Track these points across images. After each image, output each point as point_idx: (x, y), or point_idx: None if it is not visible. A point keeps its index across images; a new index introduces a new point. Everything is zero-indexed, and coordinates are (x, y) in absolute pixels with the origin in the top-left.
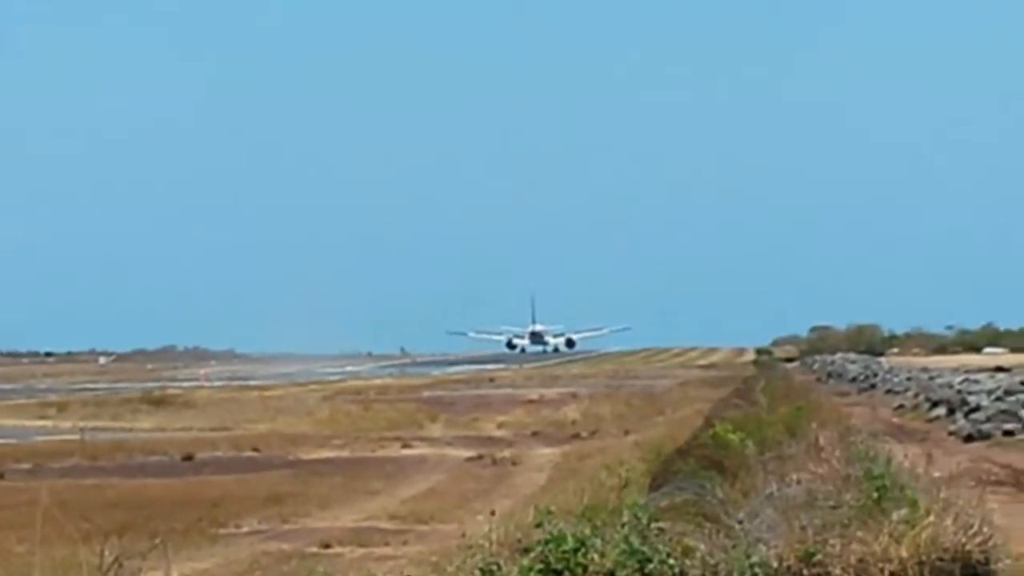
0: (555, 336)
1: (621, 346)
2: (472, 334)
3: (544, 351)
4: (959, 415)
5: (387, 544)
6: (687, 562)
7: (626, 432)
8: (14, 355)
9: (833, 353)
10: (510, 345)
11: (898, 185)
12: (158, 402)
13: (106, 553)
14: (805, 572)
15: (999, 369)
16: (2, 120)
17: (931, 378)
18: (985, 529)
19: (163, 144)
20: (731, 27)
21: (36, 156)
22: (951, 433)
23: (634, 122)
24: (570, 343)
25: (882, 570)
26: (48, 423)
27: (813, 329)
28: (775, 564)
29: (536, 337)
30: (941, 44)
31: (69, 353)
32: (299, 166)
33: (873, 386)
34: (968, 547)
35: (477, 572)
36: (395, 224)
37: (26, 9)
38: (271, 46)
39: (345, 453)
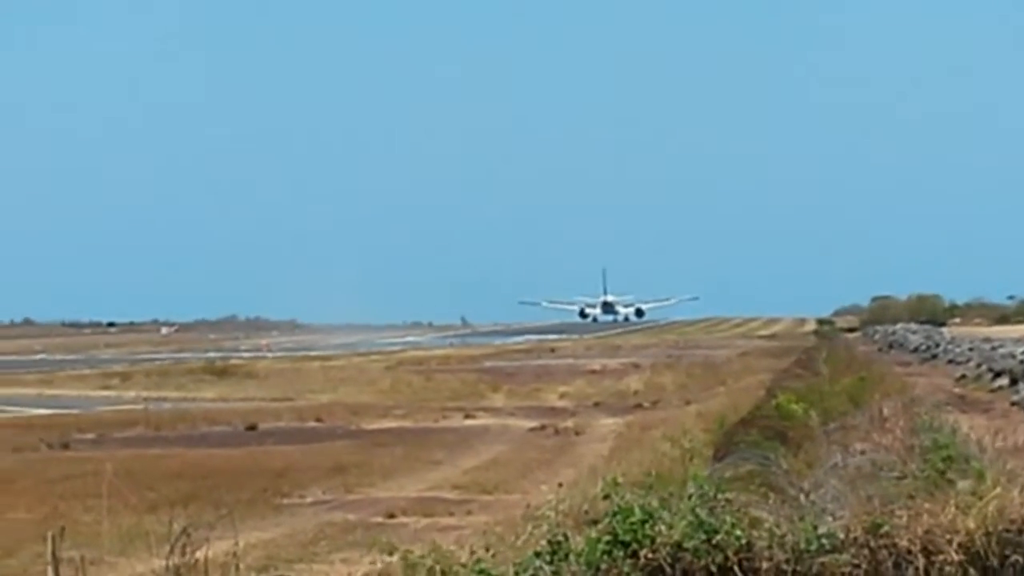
0: (625, 306)
1: (688, 315)
2: (545, 304)
3: (615, 320)
4: (1022, 385)
5: (451, 514)
6: (754, 533)
7: (688, 402)
8: (76, 325)
9: (894, 323)
10: (582, 314)
11: (960, 154)
12: (220, 372)
13: (172, 523)
14: (872, 543)
15: None
16: (58, 90)
17: (993, 348)
18: None
19: (224, 114)
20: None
21: (96, 127)
22: (1014, 403)
23: (699, 91)
24: (639, 312)
25: (949, 541)
26: (111, 393)
27: (874, 299)
28: (841, 536)
29: (607, 307)
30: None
31: (131, 323)
32: (360, 133)
33: (935, 356)
34: None
35: (544, 543)
36: (458, 193)
37: None
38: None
39: (407, 423)
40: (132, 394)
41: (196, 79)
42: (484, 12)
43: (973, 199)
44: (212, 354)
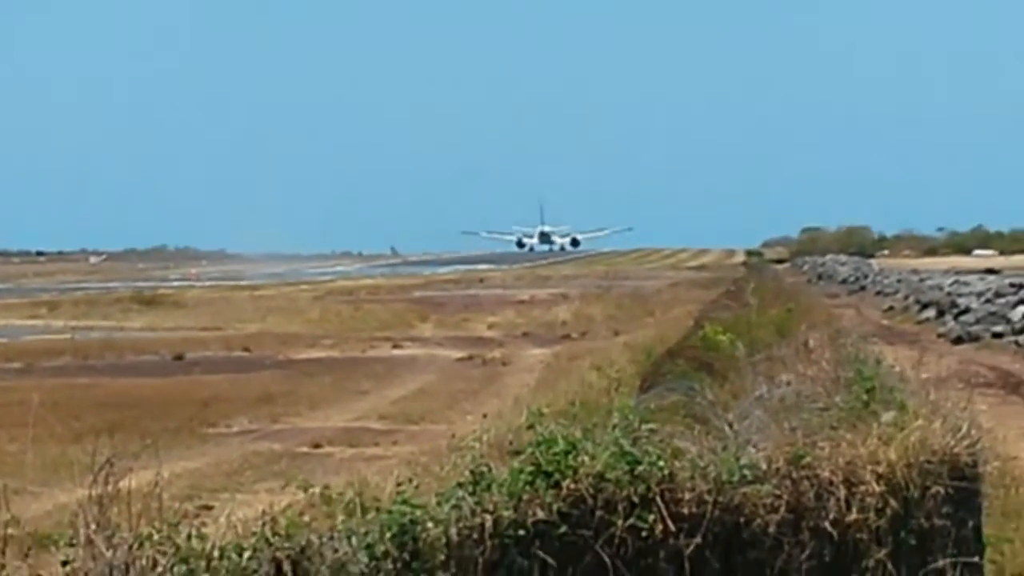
0: (561, 236)
1: (619, 247)
2: (484, 234)
3: (550, 250)
4: (948, 317)
5: (377, 444)
6: (677, 464)
7: (616, 333)
8: (4, 254)
9: (823, 255)
10: (520, 244)
11: (888, 87)
12: (149, 302)
13: (97, 453)
14: (794, 474)
15: (989, 271)
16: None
17: (921, 280)
18: (973, 432)
19: (153, 48)
20: None
21: (32, 61)
22: (940, 335)
23: (636, 32)
24: (575, 242)
25: (871, 472)
26: (39, 322)
27: (804, 231)
28: (764, 466)
29: (544, 237)
30: None
31: (60, 252)
32: (292, 65)
33: (863, 288)
34: (956, 449)
35: (468, 473)
36: (392, 125)
37: None
38: None
39: (335, 353)
40: (60, 323)
41: (132, 18)
42: None
43: (902, 132)
44: (141, 283)
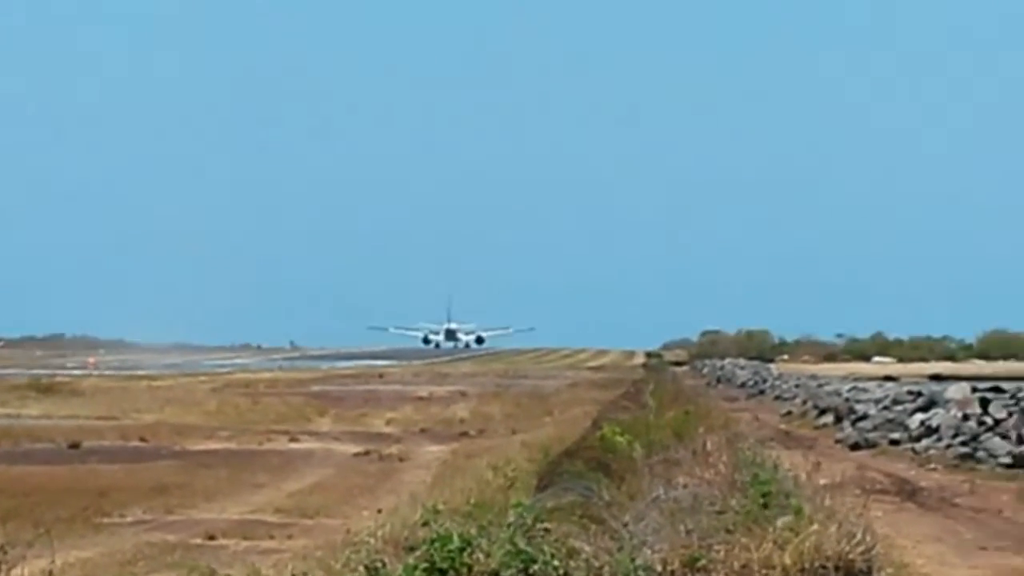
0: (467, 334)
1: (519, 345)
2: (392, 329)
3: (455, 347)
4: (846, 423)
5: (272, 537)
6: (572, 563)
7: (514, 431)
8: None
9: (723, 358)
10: (426, 340)
11: (787, 192)
12: (46, 389)
13: None
14: (678, 570)
15: (887, 378)
16: None
17: (820, 385)
18: (868, 538)
19: (55, 131)
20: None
21: None
22: (838, 441)
23: (541, 137)
24: (480, 340)
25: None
26: None
27: (703, 334)
28: (659, 568)
29: (450, 334)
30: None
31: None
32: (193, 153)
33: (762, 392)
34: (851, 555)
35: (362, 569)
36: (291, 218)
37: None
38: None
39: (232, 445)
40: None
41: (28, 105)
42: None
43: (801, 237)
44: (38, 371)
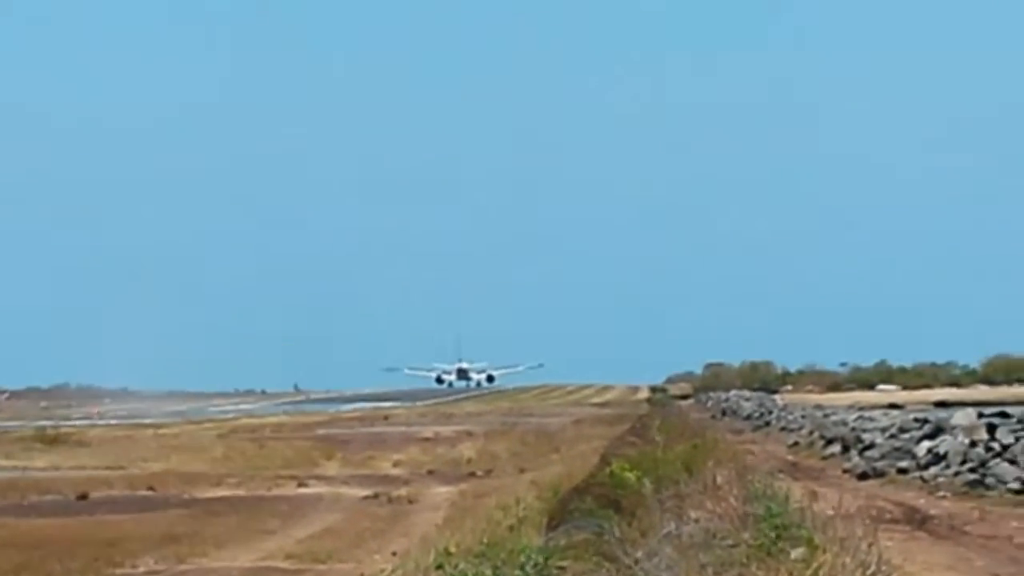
0: (478, 372)
1: (524, 383)
2: (407, 370)
3: (467, 386)
4: (854, 452)
5: None
6: None
7: (522, 470)
8: None
9: (727, 390)
10: (439, 380)
11: (787, 222)
12: (52, 440)
13: None
14: None
15: (893, 406)
16: None
17: (825, 415)
18: (883, 568)
19: (47, 192)
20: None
21: None
22: (846, 471)
23: (537, 164)
24: (490, 379)
25: None
26: None
27: (707, 366)
28: None
29: (462, 373)
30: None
31: None
32: (191, 202)
33: (768, 423)
34: None
35: None
36: (294, 262)
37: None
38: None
39: (241, 492)
40: None
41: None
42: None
43: (805, 266)
44: (43, 422)
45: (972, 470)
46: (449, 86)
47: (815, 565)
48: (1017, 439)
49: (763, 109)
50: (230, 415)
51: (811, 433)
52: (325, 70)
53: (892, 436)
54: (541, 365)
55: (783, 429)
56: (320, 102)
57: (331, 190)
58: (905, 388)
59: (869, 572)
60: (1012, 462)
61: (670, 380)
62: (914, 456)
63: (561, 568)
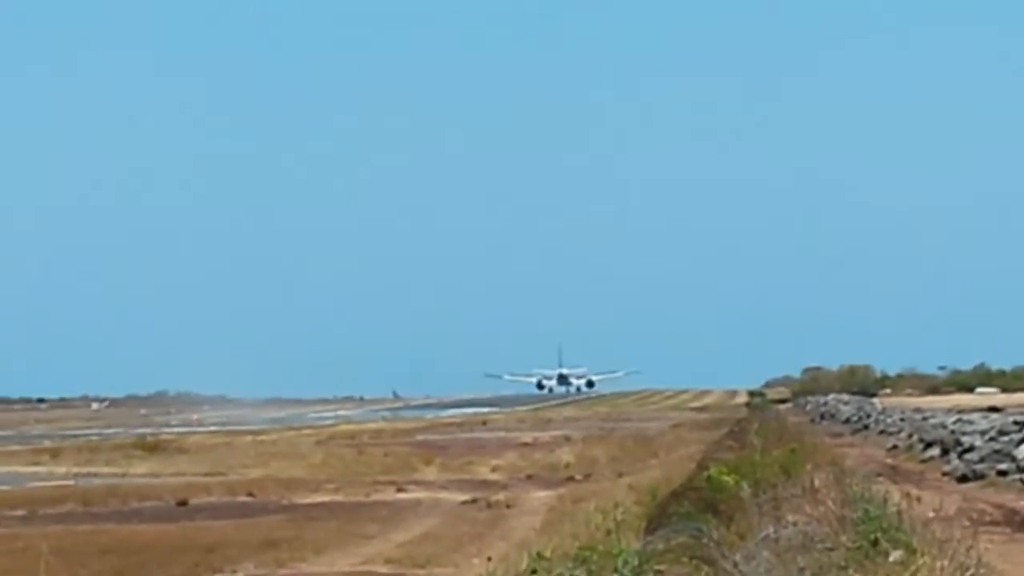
0: (578, 378)
1: (622, 388)
2: (507, 377)
3: (567, 391)
4: (953, 455)
5: None
6: None
7: (620, 474)
8: (7, 401)
9: (826, 394)
10: (539, 386)
11: (888, 228)
12: (151, 447)
13: None
14: None
15: (992, 409)
16: None
17: (924, 418)
18: (982, 571)
19: (149, 206)
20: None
21: (40, 220)
22: (945, 474)
23: (634, 178)
24: (590, 384)
25: None
26: (42, 469)
27: (805, 370)
28: None
29: (562, 379)
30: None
31: (62, 399)
32: (296, 210)
33: (866, 427)
34: None
35: None
36: (393, 269)
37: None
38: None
39: (339, 497)
40: (62, 470)
41: (129, 168)
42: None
43: (903, 271)
44: (143, 429)
45: None
46: (544, 95)
47: (913, 568)
48: None
49: (868, 108)
50: (329, 421)
51: (910, 436)
52: (431, 80)
53: (991, 439)
54: (639, 371)
55: (882, 432)
56: (421, 115)
57: (431, 201)
58: (1004, 391)
59: (968, 574)
60: None
61: (768, 384)
62: (1013, 459)
63: (659, 572)
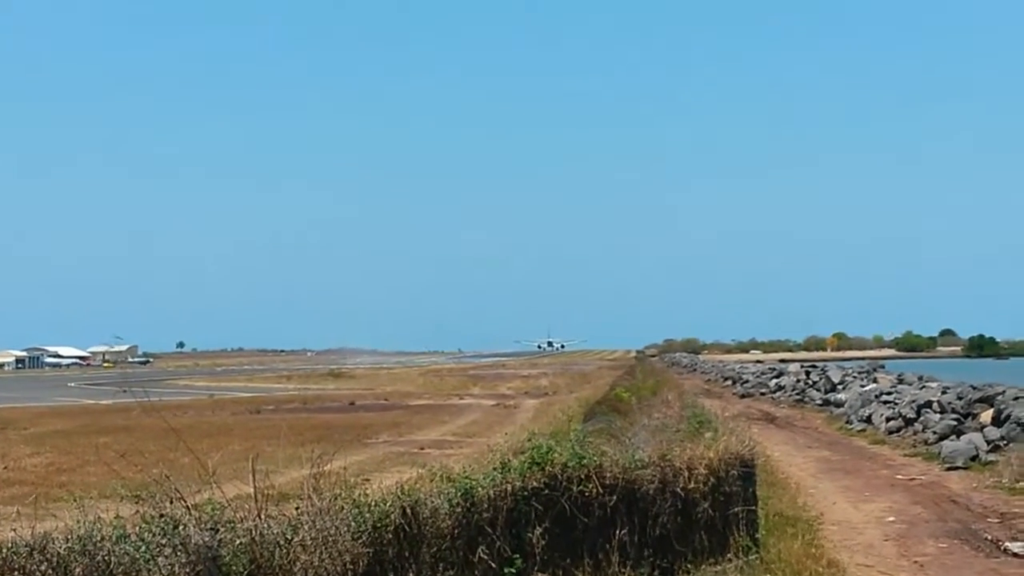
0: (557, 343)
1: (575, 348)
2: (523, 342)
3: (551, 350)
4: (738, 384)
5: (452, 448)
6: (603, 458)
7: (571, 392)
8: (263, 351)
9: (675, 353)
10: (539, 347)
11: (678, 221)
12: (336, 375)
13: (312, 452)
14: (661, 464)
15: (758, 362)
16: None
17: (724, 366)
18: (752, 442)
19: (329, 212)
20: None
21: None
22: (734, 394)
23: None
24: (563, 346)
25: (700, 463)
26: (282, 386)
27: (665, 340)
28: (646, 459)
29: (550, 344)
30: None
31: (293, 350)
32: (420, 211)
33: (695, 370)
34: (743, 451)
35: (498, 462)
36: (469, 270)
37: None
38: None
39: (431, 401)
40: (293, 387)
41: (304, 172)
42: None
43: (731, 279)
44: (332, 366)
45: (797, 394)
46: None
47: (719, 441)
48: (816, 379)
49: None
50: (425, 363)
51: (716, 375)
52: (523, 86)
53: (757, 376)
54: (586, 340)
55: (702, 373)
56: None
57: (494, 201)
58: (765, 352)
59: (746, 445)
60: (817, 390)
61: (647, 346)
62: (767, 386)
63: (589, 441)
